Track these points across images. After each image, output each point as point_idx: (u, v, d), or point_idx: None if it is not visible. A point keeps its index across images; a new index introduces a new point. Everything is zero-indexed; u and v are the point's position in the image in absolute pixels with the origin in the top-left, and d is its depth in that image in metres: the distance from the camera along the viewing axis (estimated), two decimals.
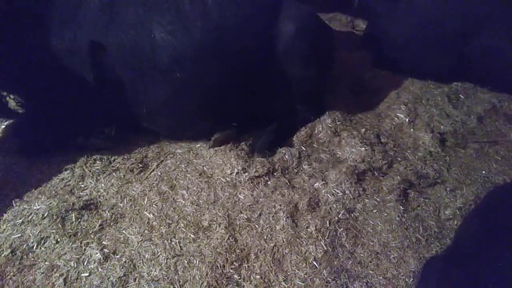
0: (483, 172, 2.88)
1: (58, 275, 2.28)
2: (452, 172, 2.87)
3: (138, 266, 2.34)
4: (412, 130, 3.13)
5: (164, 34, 2.61)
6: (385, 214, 2.60)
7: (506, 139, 3.12)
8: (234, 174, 2.80)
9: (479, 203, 2.50)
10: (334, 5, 4.62)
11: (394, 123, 3.20)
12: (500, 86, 3.48)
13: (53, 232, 2.45)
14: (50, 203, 2.58)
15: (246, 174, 2.79)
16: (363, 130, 3.09)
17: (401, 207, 2.61)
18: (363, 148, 2.90)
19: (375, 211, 2.62)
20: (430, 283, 1.96)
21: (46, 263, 2.33)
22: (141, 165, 2.91)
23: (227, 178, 2.79)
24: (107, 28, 2.67)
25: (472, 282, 1.69)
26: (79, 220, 2.55)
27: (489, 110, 3.31)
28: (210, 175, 2.84)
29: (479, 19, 3.26)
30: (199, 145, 3.08)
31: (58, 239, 2.44)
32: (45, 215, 2.52)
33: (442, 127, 3.14)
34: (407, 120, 3.18)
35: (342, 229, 2.52)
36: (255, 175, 2.78)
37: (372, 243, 2.47)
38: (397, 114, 3.23)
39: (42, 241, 2.43)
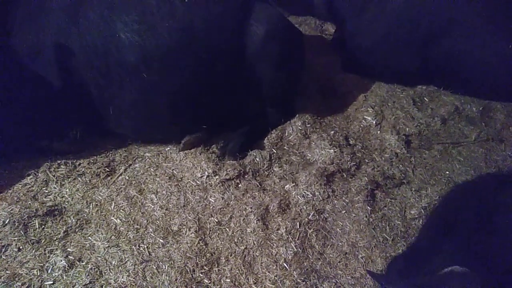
0: (447, 172, 2.97)
1: (20, 284, 2.20)
2: (417, 173, 2.94)
3: (104, 273, 2.29)
4: (379, 132, 3.20)
5: (130, 34, 2.57)
6: (354, 215, 2.65)
7: (469, 140, 3.23)
8: (205, 177, 2.78)
9: (439, 202, 2.58)
10: (303, 9, 4.67)
11: (362, 125, 3.26)
12: (463, 90, 3.61)
13: (14, 240, 2.37)
14: (12, 210, 2.49)
15: (217, 177, 2.77)
16: (332, 132, 3.14)
17: (368, 207, 2.66)
18: (332, 150, 2.94)
19: (343, 212, 2.66)
20: (392, 281, 2.01)
21: (7, 272, 2.24)
22: (108, 169, 2.84)
23: (198, 182, 2.76)
24: (71, 28, 2.60)
25: (428, 277, 1.76)
26: (43, 226, 2.47)
27: (452, 112, 3.42)
28: (180, 179, 2.80)
29: (443, 24, 3.36)
30: (168, 148, 3.04)
31: (20, 247, 2.35)
32: (6, 222, 2.42)
33: (407, 129, 3.23)
34: (374, 122, 3.25)
35: (312, 230, 2.54)
36: (226, 178, 2.77)
37: (341, 244, 2.50)
38: (365, 117, 3.30)
39: (3, 249, 2.34)
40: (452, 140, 3.22)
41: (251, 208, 2.62)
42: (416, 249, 2.10)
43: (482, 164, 3.03)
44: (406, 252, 2.21)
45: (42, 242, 2.40)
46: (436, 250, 1.90)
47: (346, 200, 2.72)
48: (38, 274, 2.25)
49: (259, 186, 2.78)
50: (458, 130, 3.32)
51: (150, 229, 2.51)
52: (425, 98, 3.56)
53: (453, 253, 1.80)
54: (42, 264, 2.29)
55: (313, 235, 2.52)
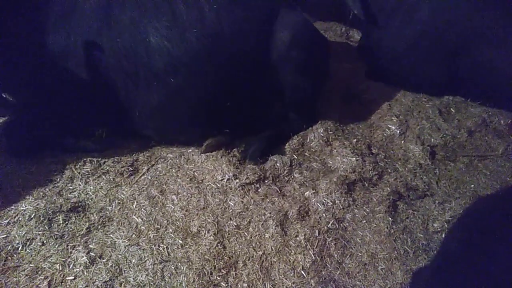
0: (472, 186, 2.89)
1: (42, 277, 2.25)
2: (441, 185, 2.88)
3: (124, 271, 2.32)
4: (403, 142, 3.15)
5: (159, 39, 2.62)
6: (374, 225, 2.61)
7: (495, 154, 3.15)
8: (225, 180, 2.79)
9: (463, 213, 2.51)
10: (329, 16, 4.65)
11: (385, 134, 3.22)
12: (491, 101, 3.52)
13: (39, 234, 2.43)
14: (38, 204, 2.56)
15: (237, 180, 2.78)
16: (355, 140, 3.11)
17: (390, 218, 2.62)
18: (354, 159, 2.91)
19: (364, 221, 2.63)
20: None
21: (31, 265, 2.30)
22: (131, 169, 2.89)
23: (218, 184, 2.78)
24: (101, 31, 2.66)
25: None
26: (66, 222, 2.53)
27: (479, 124, 3.33)
28: (200, 181, 2.83)
29: (471, 34, 3.30)
30: (190, 150, 3.07)
31: (44, 241, 2.41)
32: (32, 216, 2.49)
33: (432, 140, 3.17)
34: (398, 132, 3.20)
35: (331, 239, 2.52)
36: (246, 182, 2.77)
37: (360, 254, 2.47)
38: (389, 126, 3.26)
39: (28, 243, 2.40)
40: (478, 153, 3.15)
41: (270, 213, 2.62)
42: (442, 269, 2.03)
43: (509, 178, 2.94)
44: (431, 271, 2.13)
45: (65, 237, 2.45)
46: (468, 273, 1.83)
47: (367, 210, 2.69)
48: (60, 269, 2.30)
49: (279, 192, 2.77)
50: (484, 143, 3.23)
51: (170, 230, 2.54)
52: (451, 109, 3.49)
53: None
54: (64, 259, 2.34)
55: (332, 243, 2.50)
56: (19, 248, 2.37)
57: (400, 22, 3.56)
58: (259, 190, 2.78)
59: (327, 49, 3.29)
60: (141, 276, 2.29)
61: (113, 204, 2.67)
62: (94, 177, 2.81)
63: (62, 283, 2.24)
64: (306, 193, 2.75)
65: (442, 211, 2.70)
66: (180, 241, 2.47)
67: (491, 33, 3.25)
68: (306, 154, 3.05)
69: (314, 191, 2.75)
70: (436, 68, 3.53)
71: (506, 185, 2.89)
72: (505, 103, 3.48)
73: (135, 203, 2.67)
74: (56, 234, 2.45)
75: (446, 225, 2.60)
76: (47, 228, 2.46)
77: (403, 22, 3.55)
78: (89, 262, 2.33)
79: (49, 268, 2.30)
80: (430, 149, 3.10)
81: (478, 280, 1.83)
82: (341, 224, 2.61)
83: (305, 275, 2.34)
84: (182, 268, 2.35)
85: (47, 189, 2.69)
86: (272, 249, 2.45)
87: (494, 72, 3.33)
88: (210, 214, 2.62)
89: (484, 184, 2.91)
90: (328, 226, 2.57)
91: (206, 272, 2.32)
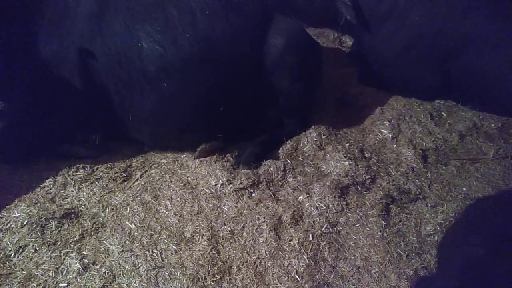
0: (464, 189, 2.92)
1: (35, 285, 2.24)
2: (433, 188, 2.91)
3: (118, 277, 2.31)
4: (395, 146, 3.18)
5: (152, 43, 2.62)
6: (367, 229, 2.62)
7: (487, 157, 3.18)
8: (219, 185, 2.80)
9: (459, 217, 2.53)
10: (322, 22, 4.69)
11: (377, 138, 3.24)
12: (482, 105, 3.56)
13: (32, 241, 2.41)
14: (30, 211, 2.54)
15: (231, 185, 2.79)
16: (348, 144, 3.13)
17: (383, 222, 2.64)
18: (347, 163, 2.92)
19: (357, 225, 2.64)
20: None
21: (24, 272, 2.29)
22: (124, 175, 2.89)
23: (212, 190, 2.78)
24: (94, 36, 2.67)
25: None
26: (59, 229, 2.52)
27: (471, 128, 3.38)
28: (194, 186, 2.83)
29: (462, 40, 3.34)
30: (184, 155, 3.08)
31: (37, 248, 2.40)
32: (25, 223, 2.48)
33: (424, 143, 3.20)
34: (390, 136, 3.23)
35: (324, 242, 2.53)
36: (240, 187, 2.78)
37: (354, 258, 2.48)
38: (381, 130, 3.28)
39: (20, 250, 2.39)
40: (469, 156, 3.18)
41: (264, 218, 2.62)
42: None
43: (500, 181, 2.98)
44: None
45: (58, 244, 2.44)
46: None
47: (360, 214, 2.70)
48: (53, 275, 2.29)
49: (273, 196, 2.78)
50: (476, 146, 3.27)
51: (164, 235, 2.53)
52: (443, 113, 3.53)
53: None
54: (57, 266, 2.33)
55: (326, 247, 2.50)
56: (12, 255, 2.35)
57: (392, 28, 3.60)
58: (253, 195, 2.78)
59: (320, 55, 3.32)
60: (135, 283, 2.28)
61: (106, 210, 2.66)
62: (87, 183, 2.80)
63: None
64: (299, 198, 2.76)
65: (435, 214, 2.72)
66: (174, 247, 2.47)
67: (483, 38, 3.29)
68: (299, 158, 3.07)
69: (307, 195, 2.76)
70: (427, 73, 3.57)
71: (497, 188, 2.93)
72: (496, 107, 3.53)
73: (128, 209, 2.67)
74: (49, 241, 2.43)
75: (438, 228, 2.62)
76: (39, 235, 2.44)
77: (394, 27, 3.59)
78: (82, 269, 2.32)
79: (42, 275, 2.28)
80: (422, 153, 3.12)
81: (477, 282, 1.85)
82: (335, 228, 2.62)
83: (299, 279, 2.34)
84: (176, 273, 2.34)
85: (39, 196, 2.67)
86: (266, 253, 2.45)
87: (485, 77, 3.37)
88: (204, 219, 2.62)
89: (476, 187, 2.94)
90: (322, 230, 2.58)
91: (200, 278, 2.32)
